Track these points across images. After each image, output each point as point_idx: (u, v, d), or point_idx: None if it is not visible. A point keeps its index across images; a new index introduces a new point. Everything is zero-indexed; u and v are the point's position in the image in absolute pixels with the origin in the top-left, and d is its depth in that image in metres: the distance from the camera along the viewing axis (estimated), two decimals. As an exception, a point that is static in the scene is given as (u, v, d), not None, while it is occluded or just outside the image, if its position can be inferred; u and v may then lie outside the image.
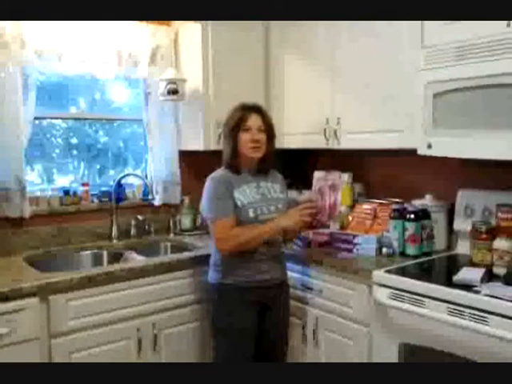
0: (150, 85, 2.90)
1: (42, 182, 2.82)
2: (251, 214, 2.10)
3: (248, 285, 2.10)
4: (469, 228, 2.19)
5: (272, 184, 2.24)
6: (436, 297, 1.83)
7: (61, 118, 2.87)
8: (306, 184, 3.04)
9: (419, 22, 2.13)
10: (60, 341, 2.05)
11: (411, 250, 2.29)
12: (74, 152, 2.92)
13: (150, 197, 2.86)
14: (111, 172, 3.05)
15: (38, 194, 2.67)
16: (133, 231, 2.86)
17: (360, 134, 2.52)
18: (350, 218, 2.69)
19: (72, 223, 2.69)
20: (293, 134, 2.89)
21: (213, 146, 2.79)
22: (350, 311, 2.18)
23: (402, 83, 2.28)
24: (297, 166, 3.12)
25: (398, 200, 2.54)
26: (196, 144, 2.88)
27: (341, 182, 2.86)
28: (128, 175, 2.92)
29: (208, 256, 2.25)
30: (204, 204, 2.14)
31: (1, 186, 2.43)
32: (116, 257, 2.62)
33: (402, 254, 2.31)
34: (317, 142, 2.73)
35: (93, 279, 2.12)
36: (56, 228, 2.64)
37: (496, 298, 1.69)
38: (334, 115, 2.63)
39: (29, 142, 2.53)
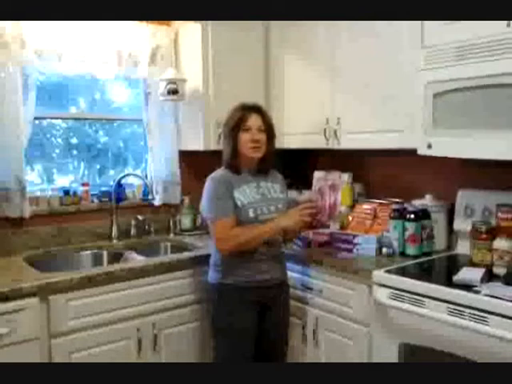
0: (150, 85, 2.90)
1: (41, 182, 2.82)
2: (251, 214, 2.10)
3: (248, 285, 2.10)
4: (469, 228, 2.18)
5: (272, 184, 2.24)
6: (436, 297, 1.83)
7: (61, 118, 2.87)
8: (306, 184, 3.04)
9: (419, 22, 2.13)
10: (60, 341, 2.05)
11: (411, 250, 2.30)
12: (74, 152, 2.92)
13: (150, 197, 2.86)
14: (111, 172, 3.05)
15: (38, 193, 2.67)
16: (133, 231, 2.86)
17: (360, 134, 2.52)
18: (350, 218, 2.69)
19: (72, 223, 2.69)
20: (293, 134, 2.89)
21: (213, 146, 2.79)
22: (350, 311, 2.18)
23: (402, 83, 2.28)
24: (297, 166, 3.12)
25: (398, 200, 2.54)
26: (196, 144, 2.88)
27: (341, 181, 2.86)
28: (128, 175, 2.92)
29: (208, 256, 2.25)
30: (204, 204, 2.14)
31: (1, 186, 2.43)
32: (116, 257, 2.61)
33: (402, 254, 2.32)
34: (317, 142, 2.73)
35: (93, 279, 2.12)
36: (56, 228, 2.64)
37: (496, 297, 1.69)
38: (334, 115, 2.63)
39: (29, 142, 2.53)
